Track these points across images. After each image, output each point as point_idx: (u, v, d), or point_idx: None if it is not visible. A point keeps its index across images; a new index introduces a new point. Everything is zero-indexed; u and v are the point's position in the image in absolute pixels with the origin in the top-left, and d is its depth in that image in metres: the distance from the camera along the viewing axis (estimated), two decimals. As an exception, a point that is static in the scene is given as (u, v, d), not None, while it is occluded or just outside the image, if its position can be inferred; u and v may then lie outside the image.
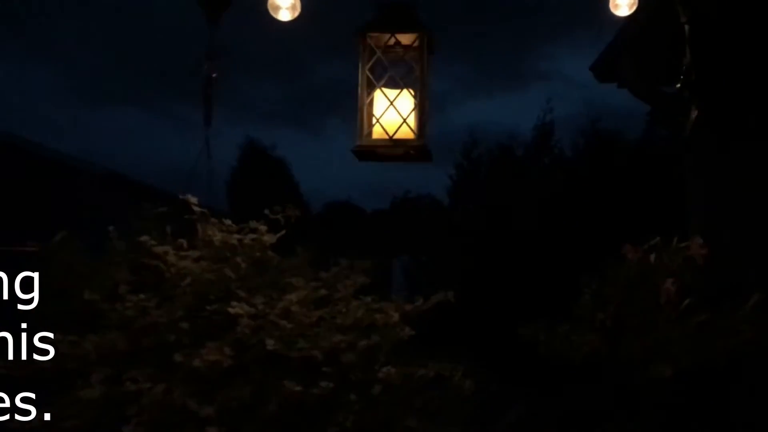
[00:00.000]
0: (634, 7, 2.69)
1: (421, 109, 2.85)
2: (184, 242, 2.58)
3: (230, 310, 2.41)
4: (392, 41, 2.83)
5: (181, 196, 2.60)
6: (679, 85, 2.63)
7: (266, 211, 2.74)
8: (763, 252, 4.15)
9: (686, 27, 2.61)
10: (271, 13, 2.72)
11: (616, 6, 2.71)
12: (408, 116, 2.83)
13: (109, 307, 2.41)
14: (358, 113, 2.85)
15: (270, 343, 2.37)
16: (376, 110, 2.86)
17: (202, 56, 2.78)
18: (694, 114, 2.67)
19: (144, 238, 2.49)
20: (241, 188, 20.08)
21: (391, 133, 2.84)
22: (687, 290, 2.51)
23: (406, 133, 2.84)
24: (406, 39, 2.83)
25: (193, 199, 2.62)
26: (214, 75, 2.82)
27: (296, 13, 2.74)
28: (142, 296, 2.43)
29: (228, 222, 2.65)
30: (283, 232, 2.71)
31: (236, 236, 2.62)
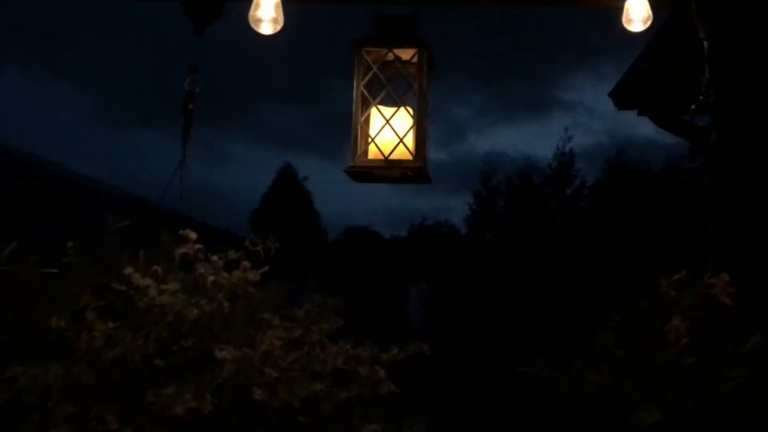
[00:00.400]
0: (649, 22, 2.51)
1: (419, 128, 2.67)
2: (159, 270, 2.39)
3: (217, 354, 2.22)
4: (390, 56, 2.66)
5: (181, 232, 2.42)
6: (695, 106, 2.44)
7: (246, 243, 2.57)
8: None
9: (705, 44, 2.43)
10: (253, 26, 2.56)
11: (630, 21, 2.52)
12: (405, 136, 2.66)
13: (75, 334, 2.23)
14: (352, 132, 2.68)
15: (257, 393, 2.19)
16: (372, 129, 2.69)
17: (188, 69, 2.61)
18: (713, 136, 2.48)
19: (127, 270, 2.30)
20: (266, 214, 20.16)
21: (386, 154, 2.66)
22: (704, 328, 2.33)
23: (402, 153, 2.66)
24: (404, 54, 2.66)
25: (193, 235, 2.42)
26: (197, 89, 2.65)
27: (278, 27, 2.58)
28: (111, 324, 2.25)
29: (215, 258, 2.44)
30: (266, 268, 2.53)
31: (224, 275, 2.42)
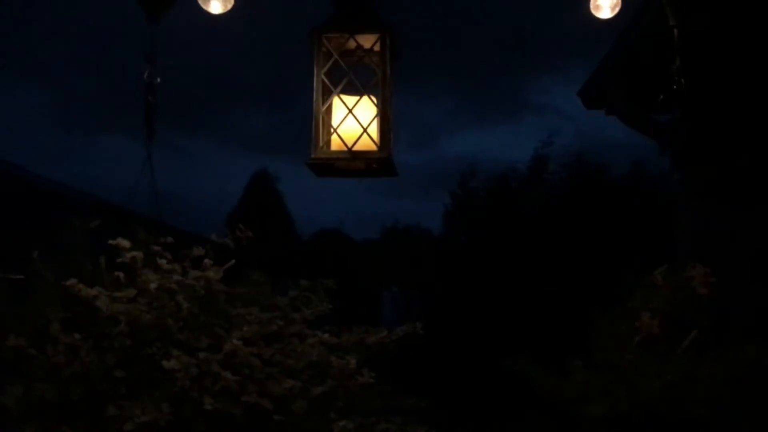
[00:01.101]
0: (617, 9, 2.46)
1: (383, 117, 2.58)
2: (121, 275, 2.27)
3: (164, 364, 2.10)
4: (351, 43, 2.57)
5: (112, 242, 2.29)
6: (664, 96, 2.40)
7: (212, 236, 2.47)
8: (750, 286, 3.97)
9: (675, 31, 2.38)
10: (201, 5, 2.46)
11: (598, 8, 2.46)
12: (369, 125, 2.57)
13: (38, 351, 2.12)
14: (313, 122, 2.59)
15: (209, 402, 2.08)
16: (334, 119, 2.59)
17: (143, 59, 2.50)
18: (684, 126, 2.45)
19: (71, 281, 2.18)
20: (241, 219, 19.99)
21: (350, 145, 2.57)
22: (680, 324, 2.31)
23: (366, 144, 2.57)
24: (366, 41, 2.56)
25: (125, 243, 2.30)
26: (158, 80, 2.53)
27: (229, 6, 2.47)
28: (77, 336, 2.14)
29: (163, 261, 2.32)
30: (232, 262, 2.42)
31: (176, 277, 2.30)
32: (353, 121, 2.58)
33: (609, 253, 9.55)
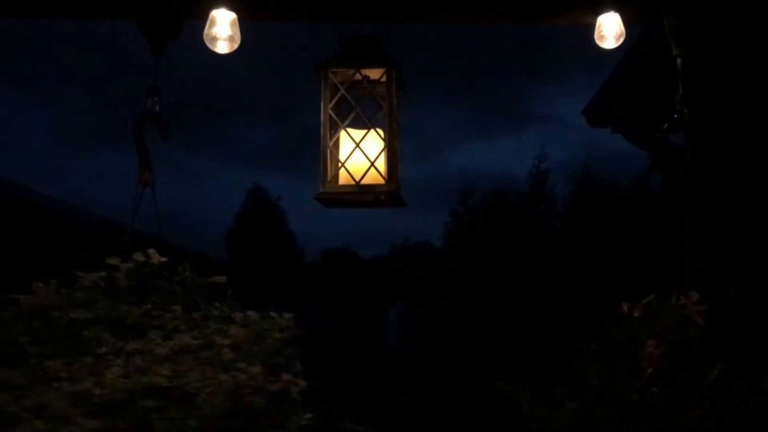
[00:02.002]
0: (621, 39, 2.46)
1: (390, 150, 2.59)
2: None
3: None
4: (357, 76, 2.58)
5: None
6: (668, 125, 2.39)
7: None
8: (761, 311, 3.93)
9: (678, 60, 2.38)
10: (208, 45, 2.47)
11: (602, 38, 2.47)
12: (376, 159, 2.58)
13: None
14: (320, 156, 2.60)
15: None
16: (341, 153, 2.61)
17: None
18: (688, 154, 2.44)
19: None
20: (240, 236, 19.95)
21: (357, 179, 2.58)
22: (682, 353, 2.25)
23: (374, 177, 2.58)
24: (372, 74, 2.58)
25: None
26: (151, 110, 2.49)
27: (235, 46, 2.48)
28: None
29: None
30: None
31: None
32: (361, 155, 2.59)
33: (612, 274, 9.50)
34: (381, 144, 2.59)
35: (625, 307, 2.29)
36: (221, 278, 2.21)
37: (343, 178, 2.60)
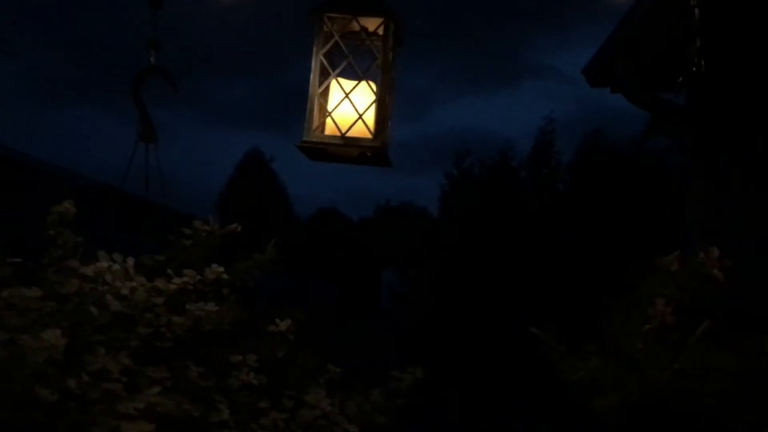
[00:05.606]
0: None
1: (381, 105, 2.46)
2: None
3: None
4: (354, 25, 2.44)
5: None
6: (682, 79, 2.27)
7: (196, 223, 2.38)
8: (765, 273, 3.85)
9: (696, 11, 2.25)
10: None
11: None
12: (365, 112, 2.45)
13: None
14: (308, 104, 2.46)
15: None
16: (330, 103, 2.47)
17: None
18: (700, 110, 2.32)
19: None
20: (233, 198, 19.82)
21: (344, 130, 2.45)
22: (694, 310, 2.24)
23: (361, 131, 2.45)
24: (370, 24, 2.44)
25: None
26: (156, 64, 2.39)
27: None
28: None
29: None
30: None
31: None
32: (349, 106, 2.46)
33: (618, 234, 9.41)
34: (372, 97, 2.47)
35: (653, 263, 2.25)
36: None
37: (329, 128, 2.48)
